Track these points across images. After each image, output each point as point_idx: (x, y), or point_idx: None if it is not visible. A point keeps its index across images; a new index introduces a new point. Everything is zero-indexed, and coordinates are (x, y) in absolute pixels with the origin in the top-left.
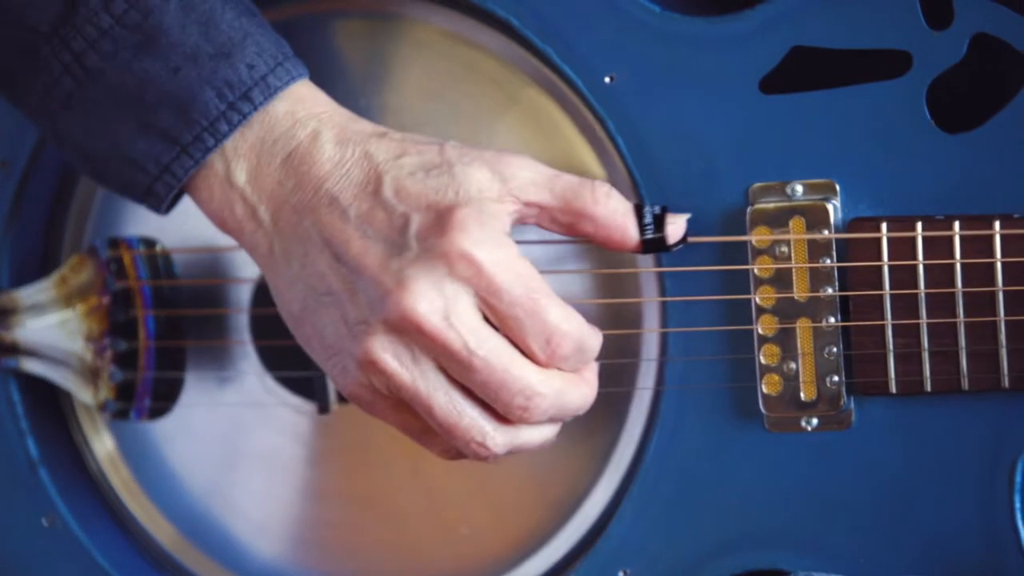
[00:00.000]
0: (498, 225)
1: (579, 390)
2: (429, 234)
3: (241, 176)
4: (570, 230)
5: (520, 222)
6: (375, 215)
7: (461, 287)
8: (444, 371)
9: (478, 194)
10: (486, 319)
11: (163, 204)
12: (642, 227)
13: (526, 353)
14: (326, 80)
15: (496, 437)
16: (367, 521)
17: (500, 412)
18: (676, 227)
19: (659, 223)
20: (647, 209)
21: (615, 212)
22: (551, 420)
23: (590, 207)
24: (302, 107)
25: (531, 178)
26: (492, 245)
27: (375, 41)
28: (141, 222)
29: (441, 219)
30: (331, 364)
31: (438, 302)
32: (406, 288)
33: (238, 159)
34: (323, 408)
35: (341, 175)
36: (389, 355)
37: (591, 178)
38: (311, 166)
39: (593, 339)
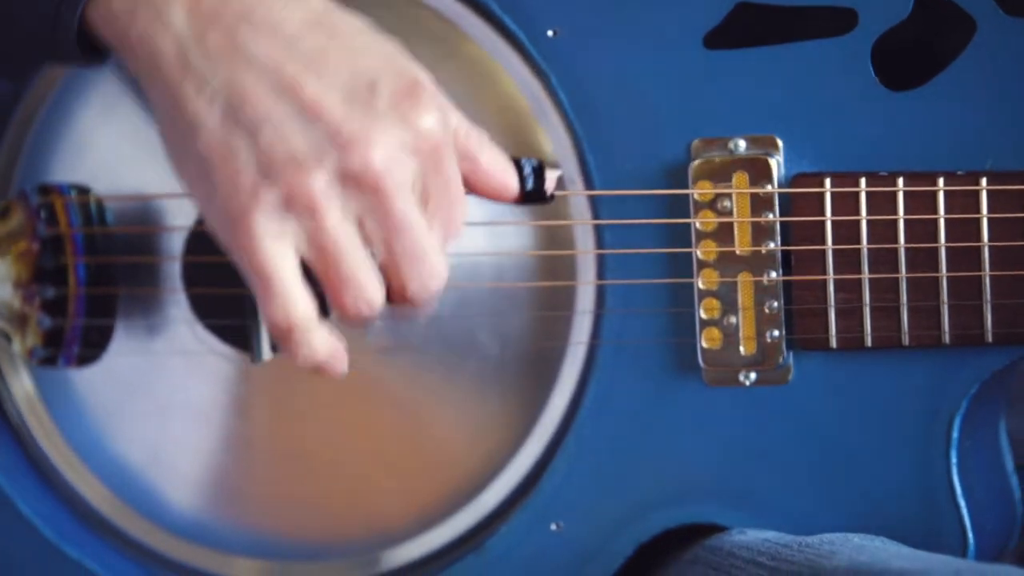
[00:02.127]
0: (450, 107)
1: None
2: (401, 100)
3: None
4: None
5: None
6: (335, 55)
7: (415, 158)
8: (366, 231)
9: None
10: None
11: (70, 49)
12: (522, 178)
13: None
14: None
15: (382, 304)
16: (294, 473)
17: (402, 283)
18: (552, 181)
19: (538, 175)
20: (525, 161)
21: (498, 158)
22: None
23: (476, 149)
24: None
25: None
26: (443, 127)
27: None
28: (72, 170)
29: (412, 89)
30: (229, 192)
31: (396, 167)
32: (372, 143)
33: None
34: (255, 357)
35: (282, 4)
36: (332, 198)
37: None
38: None
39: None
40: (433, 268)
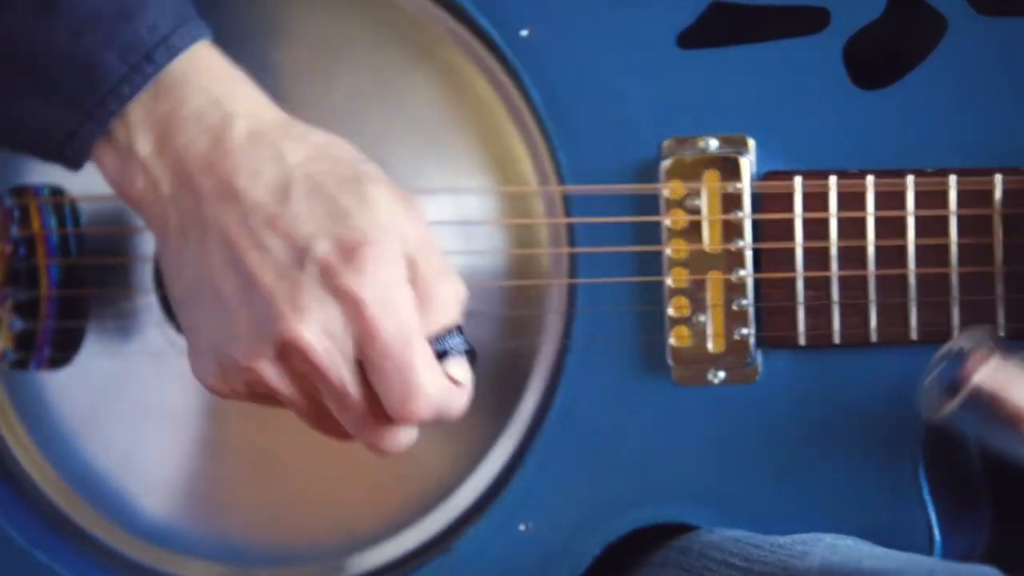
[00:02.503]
0: (395, 270)
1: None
2: (329, 267)
3: (145, 147)
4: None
5: None
6: (279, 225)
7: (346, 325)
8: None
9: (384, 230)
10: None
11: (73, 166)
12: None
13: (382, 398)
14: (230, 36)
15: None
16: (263, 478)
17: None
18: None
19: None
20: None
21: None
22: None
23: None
24: (212, 82)
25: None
26: (382, 291)
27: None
28: (47, 171)
29: (343, 253)
30: (202, 355)
31: (326, 339)
32: (300, 318)
33: (143, 130)
34: None
35: (250, 172)
36: (272, 370)
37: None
38: (221, 157)
39: (456, 404)
40: (383, 438)
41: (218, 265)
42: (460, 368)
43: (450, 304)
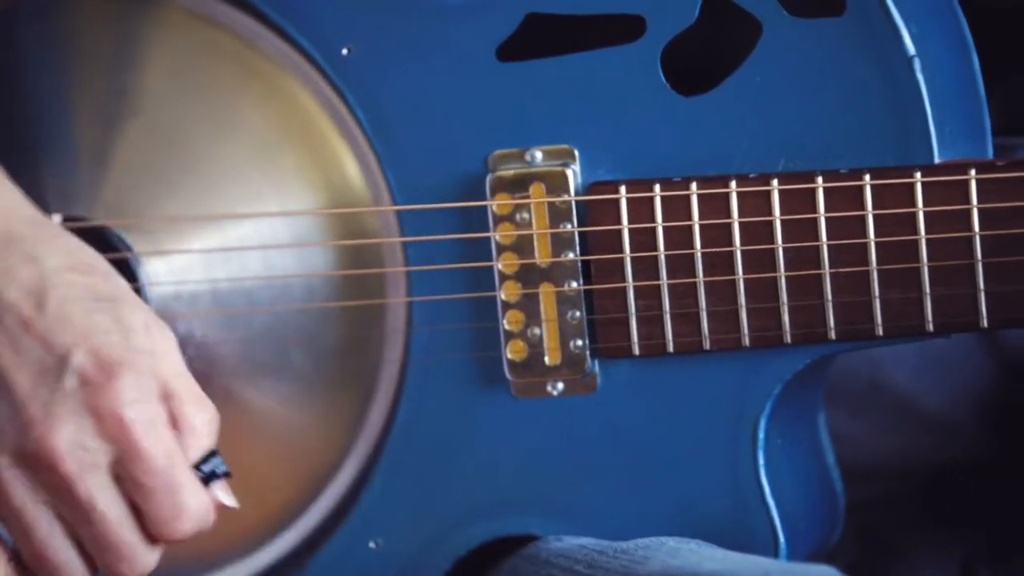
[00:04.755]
0: (153, 395)
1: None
2: (88, 380)
3: None
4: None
5: None
6: (34, 332)
7: (105, 443)
8: (58, 513)
9: (141, 355)
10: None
11: None
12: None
13: (146, 518)
14: (74, 62)
15: None
16: None
17: (103, 566)
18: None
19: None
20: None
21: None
22: None
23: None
24: None
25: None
26: (147, 412)
27: (121, 22)
28: None
29: (103, 370)
30: None
31: (78, 452)
32: (52, 427)
33: None
34: None
35: (3, 271)
36: (13, 476)
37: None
38: None
39: (210, 518)
40: (133, 557)
41: None
42: (224, 492)
43: (207, 429)
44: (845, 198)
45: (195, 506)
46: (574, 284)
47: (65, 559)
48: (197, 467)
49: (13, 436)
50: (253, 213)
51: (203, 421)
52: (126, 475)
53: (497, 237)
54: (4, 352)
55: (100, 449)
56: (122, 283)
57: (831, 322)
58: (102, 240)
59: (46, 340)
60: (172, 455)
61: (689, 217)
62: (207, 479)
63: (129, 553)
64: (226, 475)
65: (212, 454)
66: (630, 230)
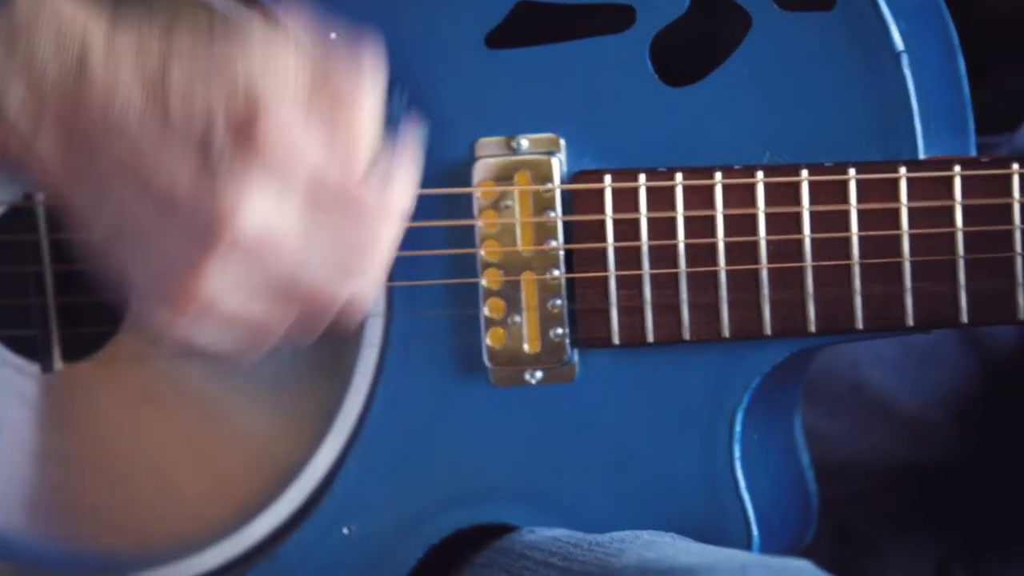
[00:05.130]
0: (298, 94)
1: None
2: (237, 139)
3: (13, 104)
4: None
5: None
6: (171, 139)
7: (287, 184)
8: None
9: (269, 75)
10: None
11: None
12: None
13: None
14: None
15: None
16: (92, 484)
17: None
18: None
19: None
20: None
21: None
22: None
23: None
24: (57, 18)
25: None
26: (295, 124)
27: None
28: None
29: (245, 119)
30: (149, 295)
31: (272, 212)
32: (236, 207)
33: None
34: (46, 367)
35: (121, 102)
36: (224, 288)
37: None
38: (87, 95)
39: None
40: (333, 300)
41: (128, 198)
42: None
43: (366, 94)
44: (829, 192)
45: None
46: (556, 272)
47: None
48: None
49: (204, 243)
50: None
51: (355, 88)
52: (317, 221)
53: (481, 224)
54: (158, 170)
55: (289, 191)
56: (219, 19)
57: (811, 315)
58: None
59: (185, 135)
60: (342, 159)
61: (673, 208)
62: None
63: (332, 301)
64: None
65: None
66: (614, 219)
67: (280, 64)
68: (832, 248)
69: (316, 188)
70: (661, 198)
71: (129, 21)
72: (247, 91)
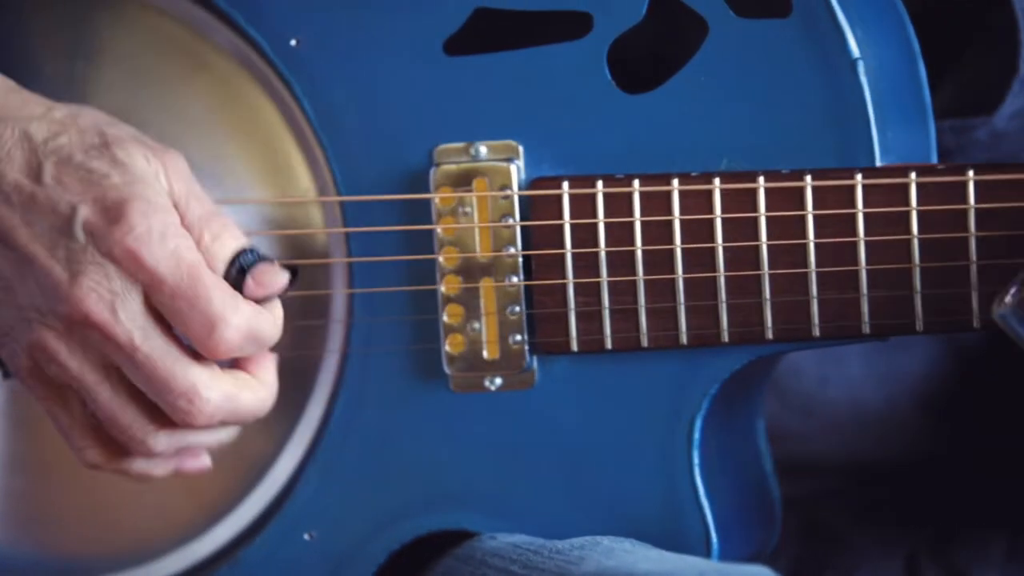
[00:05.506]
0: (161, 214)
1: (254, 394)
2: (95, 228)
3: None
4: None
5: None
6: (39, 203)
7: (128, 281)
8: (114, 367)
9: (143, 183)
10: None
11: None
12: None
13: (193, 341)
14: (25, 50)
15: (159, 438)
16: (56, 489)
17: (167, 413)
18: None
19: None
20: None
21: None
22: (223, 423)
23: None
24: None
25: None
26: (156, 237)
27: (73, 11)
28: None
29: (108, 214)
30: (2, 343)
31: (107, 297)
32: (76, 282)
33: None
34: (6, 374)
35: (1, 157)
36: (61, 345)
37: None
38: None
39: (267, 325)
40: (188, 387)
41: None
42: (268, 274)
43: (229, 232)
44: (786, 198)
45: (229, 314)
46: (515, 279)
47: (131, 418)
48: (230, 269)
49: (48, 305)
50: None
51: (219, 225)
52: (159, 305)
53: (439, 231)
54: (19, 230)
55: (127, 289)
56: (116, 128)
57: (768, 322)
58: None
59: (51, 207)
60: (191, 269)
61: (631, 214)
62: (239, 276)
63: (186, 384)
64: (262, 260)
65: (245, 252)
66: (572, 226)
67: (157, 174)
68: (789, 255)
69: (162, 280)
70: (619, 204)
71: (18, 96)
72: (119, 187)
